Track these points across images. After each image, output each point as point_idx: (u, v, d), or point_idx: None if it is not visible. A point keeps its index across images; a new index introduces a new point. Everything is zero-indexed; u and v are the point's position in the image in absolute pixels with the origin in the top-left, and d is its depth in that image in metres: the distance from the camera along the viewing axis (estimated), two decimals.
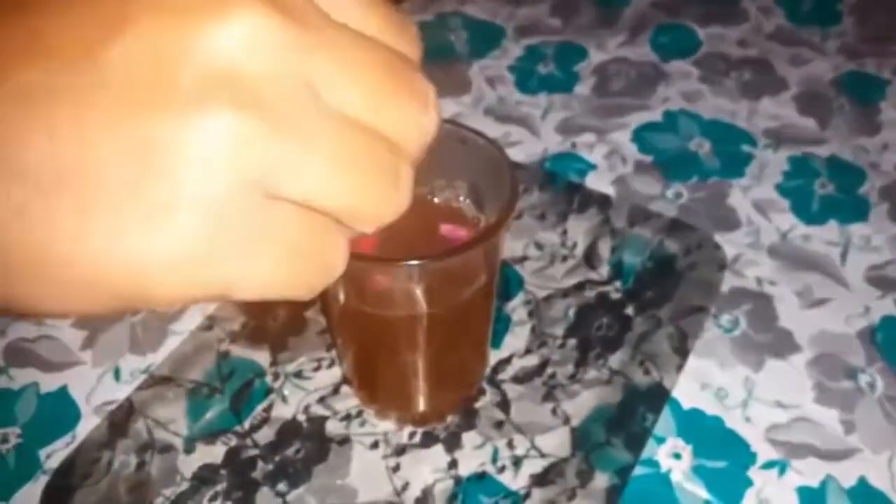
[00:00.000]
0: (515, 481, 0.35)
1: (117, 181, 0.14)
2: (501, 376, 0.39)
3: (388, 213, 0.16)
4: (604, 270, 0.44)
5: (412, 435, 0.37)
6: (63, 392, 0.39)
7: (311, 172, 0.15)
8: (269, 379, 0.39)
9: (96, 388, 0.39)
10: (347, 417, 0.38)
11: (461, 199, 0.33)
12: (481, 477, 0.35)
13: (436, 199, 0.34)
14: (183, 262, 0.14)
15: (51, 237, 0.14)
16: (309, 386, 0.39)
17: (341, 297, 0.32)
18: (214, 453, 0.36)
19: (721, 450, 0.36)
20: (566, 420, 0.37)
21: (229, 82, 0.14)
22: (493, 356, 0.40)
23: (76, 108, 0.13)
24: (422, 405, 0.37)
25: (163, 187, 0.14)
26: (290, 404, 0.38)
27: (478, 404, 0.38)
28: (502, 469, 0.36)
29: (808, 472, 0.36)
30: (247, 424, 0.38)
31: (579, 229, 0.45)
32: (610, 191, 0.48)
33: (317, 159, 0.14)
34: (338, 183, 0.15)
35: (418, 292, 0.31)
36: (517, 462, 0.36)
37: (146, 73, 0.13)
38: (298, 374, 0.39)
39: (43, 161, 0.13)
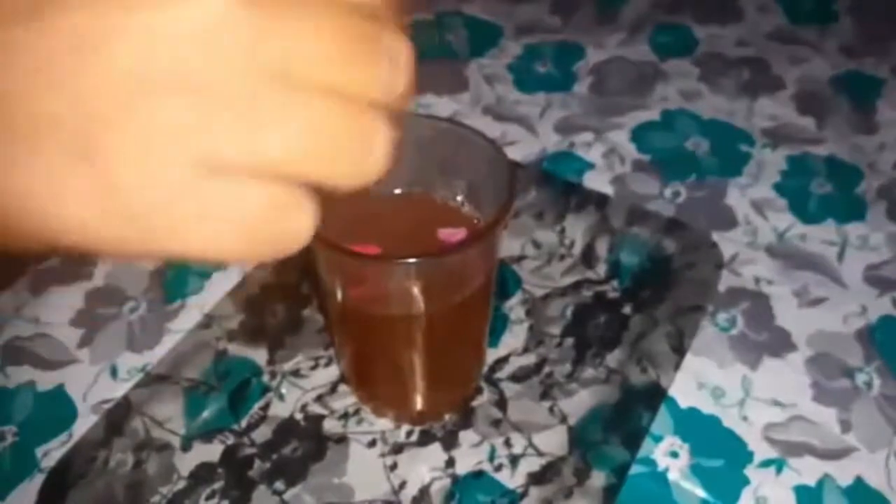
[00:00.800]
0: (513, 480, 0.35)
1: (58, 148, 0.14)
2: (499, 375, 0.39)
3: (362, 175, 0.16)
4: (601, 269, 0.44)
5: (409, 433, 0.37)
6: (60, 390, 0.39)
7: (266, 147, 0.15)
8: (266, 377, 0.39)
9: (93, 387, 0.39)
10: (345, 416, 0.38)
11: (459, 198, 0.33)
12: (478, 475, 0.35)
13: (434, 199, 0.34)
14: (116, 239, 0.15)
15: None
16: (306, 384, 0.39)
17: (339, 295, 0.32)
18: (211, 452, 0.36)
19: (718, 448, 0.36)
20: (563, 419, 0.37)
21: (182, 67, 0.14)
22: (491, 355, 0.40)
23: (33, 65, 0.13)
24: (419, 404, 0.37)
25: (104, 170, 0.14)
26: (287, 403, 0.38)
27: (475, 403, 0.38)
28: (499, 468, 0.36)
29: (805, 471, 0.36)
30: (244, 423, 0.37)
31: (577, 228, 0.45)
32: (608, 190, 0.48)
33: (273, 133, 0.15)
34: (299, 153, 0.15)
35: (416, 291, 0.31)
36: (514, 461, 0.36)
37: (92, 46, 0.13)
38: (296, 373, 0.39)
39: (3, 107, 0.14)
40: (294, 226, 0.16)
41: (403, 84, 0.16)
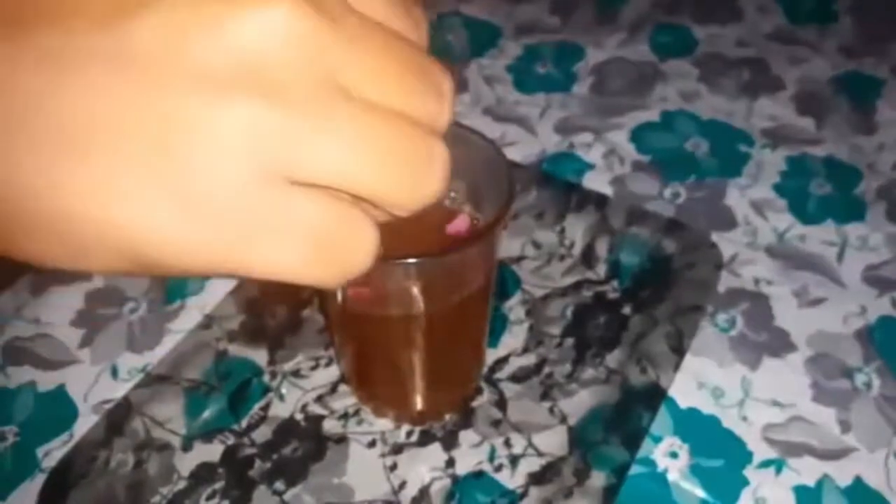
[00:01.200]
0: (512, 480, 0.35)
1: (134, 152, 0.14)
2: (499, 375, 0.39)
3: (423, 195, 0.16)
4: (601, 270, 0.44)
5: (409, 434, 0.37)
6: (60, 391, 0.39)
7: (337, 157, 0.15)
8: (266, 378, 0.39)
9: (94, 387, 0.40)
10: (345, 416, 0.38)
11: (458, 199, 0.33)
12: (478, 476, 0.35)
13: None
14: (195, 246, 0.15)
15: (68, 195, 0.14)
16: (306, 385, 0.39)
17: (339, 296, 0.32)
18: (212, 452, 0.37)
19: (718, 449, 0.36)
20: (563, 419, 0.37)
21: (256, 71, 0.14)
22: (491, 355, 0.40)
23: (105, 72, 0.14)
24: (419, 404, 0.37)
25: (180, 171, 0.14)
26: (287, 403, 0.38)
27: (475, 403, 0.38)
28: (499, 468, 0.36)
29: (805, 472, 0.36)
30: (244, 423, 0.38)
31: (577, 229, 0.45)
32: (607, 190, 0.48)
33: (343, 143, 0.15)
34: (367, 166, 0.15)
35: (416, 291, 0.31)
36: (514, 461, 0.36)
37: (170, 50, 0.14)
38: (296, 373, 0.39)
39: (75, 118, 0.14)
40: (361, 244, 0.16)
41: (447, 117, 0.16)
